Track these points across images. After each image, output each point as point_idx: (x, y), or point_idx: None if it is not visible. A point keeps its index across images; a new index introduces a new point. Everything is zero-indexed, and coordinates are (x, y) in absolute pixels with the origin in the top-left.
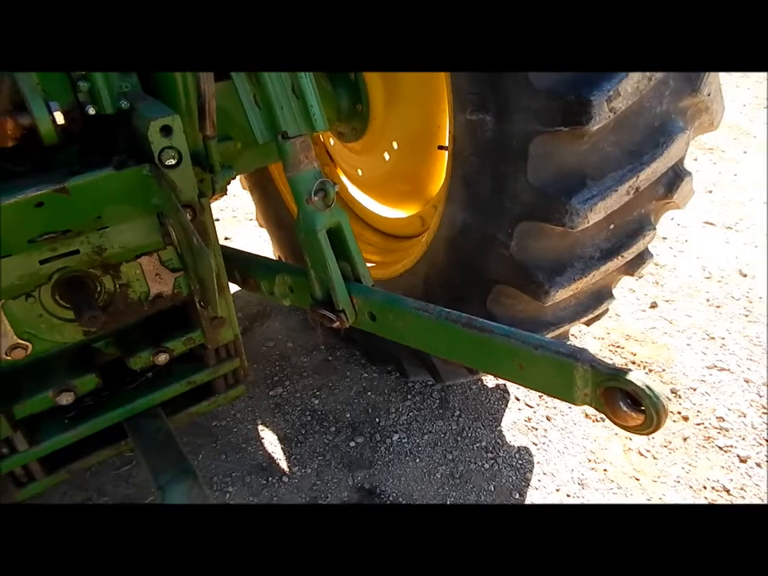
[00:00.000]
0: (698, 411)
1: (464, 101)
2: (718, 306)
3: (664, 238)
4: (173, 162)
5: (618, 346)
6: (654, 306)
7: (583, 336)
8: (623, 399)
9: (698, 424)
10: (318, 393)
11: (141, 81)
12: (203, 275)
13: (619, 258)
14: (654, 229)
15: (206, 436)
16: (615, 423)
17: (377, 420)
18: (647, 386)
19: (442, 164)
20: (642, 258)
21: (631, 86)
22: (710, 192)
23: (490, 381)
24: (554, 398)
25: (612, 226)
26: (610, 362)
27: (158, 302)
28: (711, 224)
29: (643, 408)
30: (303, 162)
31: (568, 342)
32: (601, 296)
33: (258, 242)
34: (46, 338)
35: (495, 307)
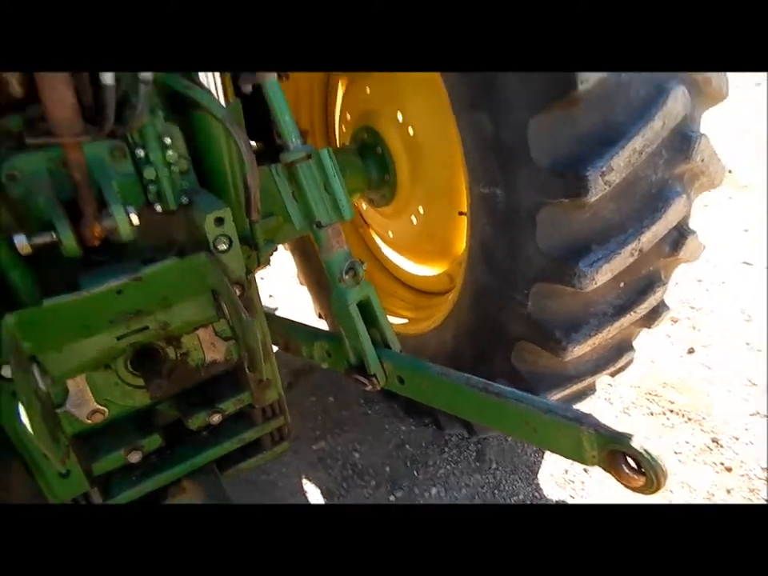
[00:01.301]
0: (742, 462)
1: (477, 175)
2: (759, 350)
3: (699, 281)
4: (225, 247)
5: (655, 394)
6: (691, 351)
7: (619, 385)
8: (625, 462)
9: (742, 475)
10: (358, 446)
11: (198, 176)
12: (250, 343)
13: (632, 313)
14: (665, 284)
15: (254, 491)
16: (621, 483)
17: (415, 473)
18: (645, 450)
19: (464, 227)
20: (657, 311)
21: (623, 161)
22: (746, 231)
23: None
24: (568, 459)
25: (622, 285)
26: (647, 411)
27: (213, 368)
28: (749, 264)
29: (644, 470)
30: (335, 246)
31: (594, 394)
32: (621, 349)
33: (299, 299)
34: (119, 403)
35: (519, 363)
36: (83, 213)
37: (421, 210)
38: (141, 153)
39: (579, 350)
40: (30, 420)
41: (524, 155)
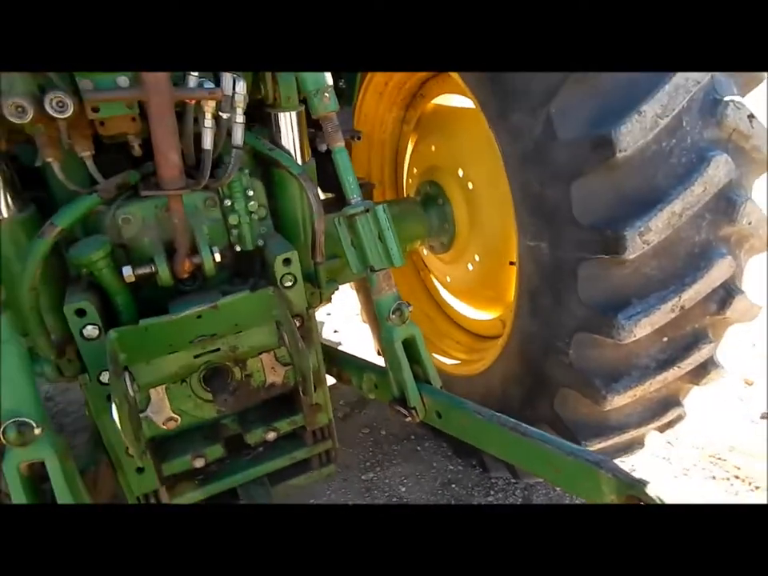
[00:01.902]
0: None
1: (525, 229)
2: None
3: None
4: (290, 284)
5: (719, 458)
6: (764, 416)
7: (680, 445)
8: None
9: None
10: (405, 480)
11: (273, 222)
12: (304, 370)
13: (676, 368)
14: (712, 342)
15: None
16: None
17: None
18: (659, 498)
19: (514, 276)
20: (706, 368)
21: (662, 222)
22: None
23: None
24: (588, 500)
25: (665, 339)
26: (709, 475)
27: (272, 390)
28: None
29: None
30: (385, 289)
31: (637, 449)
32: (667, 404)
33: (361, 336)
34: (191, 413)
35: (562, 409)
36: (177, 250)
37: (476, 258)
38: (228, 202)
39: (620, 401)
40: (120, 419)
41: (567, 213)
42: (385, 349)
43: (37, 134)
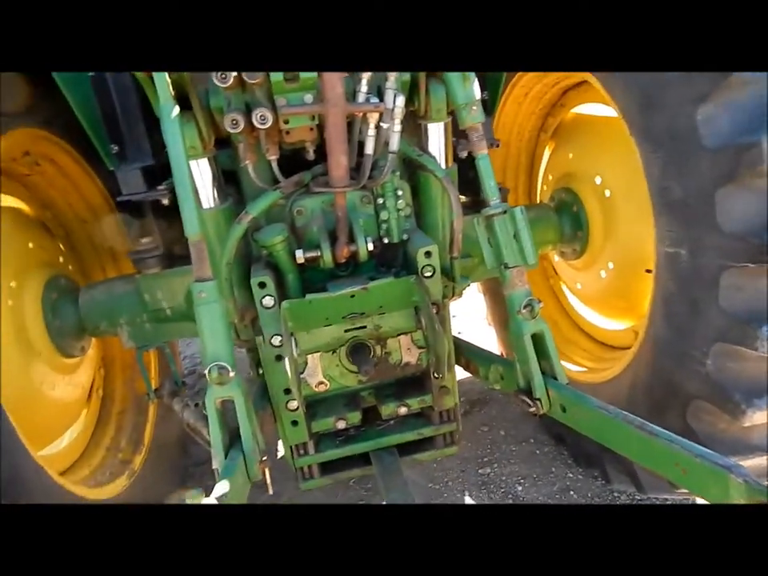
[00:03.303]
0: None
1: (664, 236)
2: None
3: None
4: (429, 274)
5: None
6: None
7: None
8: None
9: None
10: (522, 481)
11: (415, 220)
12: (439, 351)
13: None
14: None
15: (419, 494)
16: None
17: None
18: None
19: (650, 285)
20: None
21: None
22: None
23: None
24: (713, 503)
25: None
26: None
27: (406, 369)
28: None
29: None
30: (517, 285)
31: None
32: None
33: (485, 338)
34: (337, 380)
35: (694, 422)
36: (338, 238)
37: (610, 266)
38: (380, 200)
39: (761, 417)
40: (291, 375)
41: (710, 220)
42: (513, 341)
43: (240, 142)
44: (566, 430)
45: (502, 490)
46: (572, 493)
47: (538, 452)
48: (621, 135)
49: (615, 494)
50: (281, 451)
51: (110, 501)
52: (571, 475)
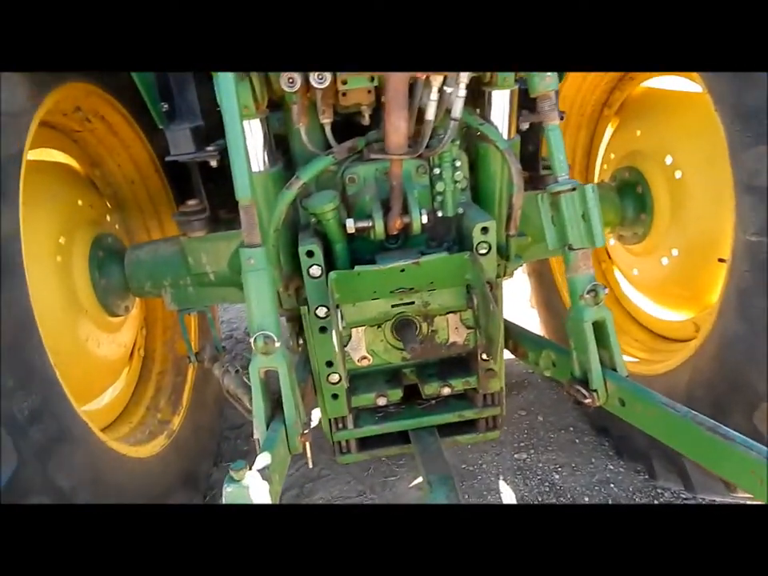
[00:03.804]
0: None
1: (746, 223)
2: None
3: None
4: (484, 251)
5: None
6: None
7: None
8: None
9: None
10: (559, 469)
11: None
12: (492, 332)
13: None
14: None
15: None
16: None
17: None
18: None
19: (720, 275)
20: None
21: None
22: None
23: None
24: None
25: None
26: None
27: (452, 348)
28: None
29: None
30: (582, 268)
31: None
32: None
33: (528, 321)
34: (380, 356)
35: (762, 424)
36: (392, 209)
37: (674, 253)
38: (437, 171)
39: None
40: (337, 347)
41: None
42: (572, 328)
43: (294, 103)
44: (611, 421)
45: (539, 477)
46: (612, 485)
47: (577, 441)
48: (701, 111)
49: (659, 491)
50: (314, 421)
51: (148, 459)
52: (612, 467)
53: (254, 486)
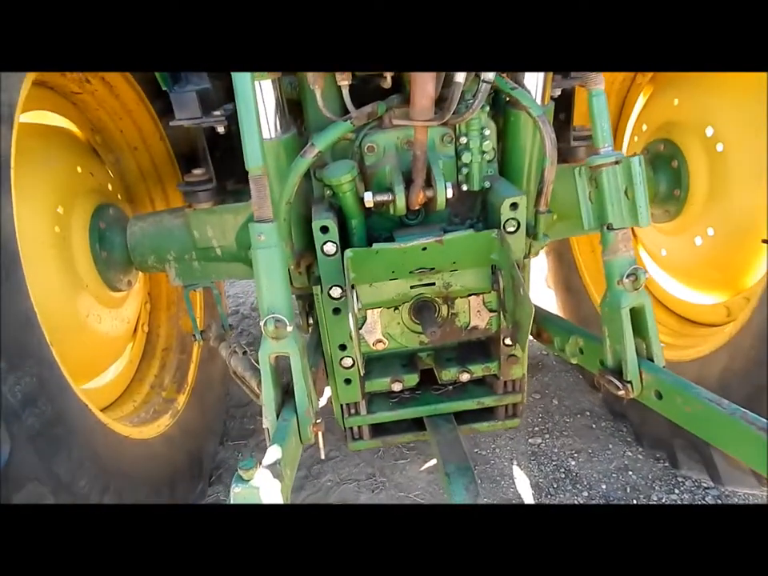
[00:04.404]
0: None
1: None
2: None
3: None
4: (513, 229)
5: None
6: None
7: None
8: None
9: None
10: (575, 455)
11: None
12: (521, 318)
13: None
14: None
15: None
16: None
17: (635, 502)
18: None
19: (761, 257)
20: None
21: None
22: None
23: None
24: None
25: None
26: None
27: (473, 333)
28: None
29: None
30: (621, 250)
31: None
32: None
33: (545, 301)
34: (396, 340)
35: None
36: (414, 181)
37: (710, 232)
38: (464, 140)
39: None
40: (352, 330)
41: None
42: (607, 314)
43: None
44: (630, 406)
45: (554, 463)
46: (630, 473)
47: (594, 426)
48: (750, 79)
49: (679, 479)
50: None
51: (152, 439)
52: (630, 454)
53: (264, 486)
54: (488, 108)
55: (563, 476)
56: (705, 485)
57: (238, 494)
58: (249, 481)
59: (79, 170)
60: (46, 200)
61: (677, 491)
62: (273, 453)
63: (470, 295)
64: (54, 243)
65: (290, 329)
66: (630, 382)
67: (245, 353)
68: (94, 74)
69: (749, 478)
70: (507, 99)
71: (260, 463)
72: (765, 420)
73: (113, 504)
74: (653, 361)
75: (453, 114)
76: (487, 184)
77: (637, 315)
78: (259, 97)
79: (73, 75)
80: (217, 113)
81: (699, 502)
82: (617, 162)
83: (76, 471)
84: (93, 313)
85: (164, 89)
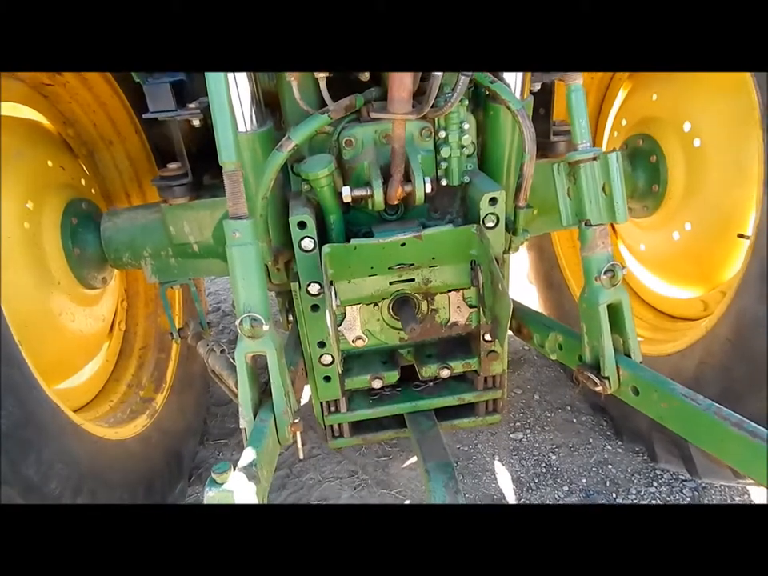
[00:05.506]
0: None
1: None
2: None
3: None
4: (492, 224)
5: None
6: None
7: None
8: None
9: None
10: (556, 449)
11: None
12: (500, 314)
13: None
14: None
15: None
16: None
17: (614, 495)
18: None
19: (737, 251)
20: None
21: None
22: None
23: (755, 490)
24: None
25: None
26: None
27: (453, 329)
28: None
29: None
30: (599, 246)
31: None
32: None
33: (526, 297)
34: (376, 336)
35: None
36: (393, 176)
37: (687, 227)
38: (442, 134)
39: None
40: (331, 326)
41: None
42: (585, 310)
43: None
44: (611, 401)
45: (535, 458)
46: (610, 467)
47: (574, 420)
48: (726, 76)
49: (658, 472)
50: (304, 399)
51: (129, 441)
52: (610, 448)
53: (238, 489)
54: (467, 102)
55: (544, 470)
56: (682, 477)
57: (212, 498)
58: (222, 484)
59: (50, 164)
60: (13, 195)
61: (655, 484)
62: (248, 454)
63: (449, 291)
64: (23, 239)
65: (266, 328)
66: (607, 377)
67: (222, 351)
68: None
69: (725, 471)
70: (487, 93)
71: (235, 466)
72: (738, 416)
73: (86, 504)
74: (630, 357)
75: (432, 107)
76: (466, 179)
77: (614, 311)
78: (234, 89)
79: None
80: (192, 105)
81: (677, 495)
82: (594, 159)
83: (47, 473)
84: (66, 311)
85: (137, 81)
